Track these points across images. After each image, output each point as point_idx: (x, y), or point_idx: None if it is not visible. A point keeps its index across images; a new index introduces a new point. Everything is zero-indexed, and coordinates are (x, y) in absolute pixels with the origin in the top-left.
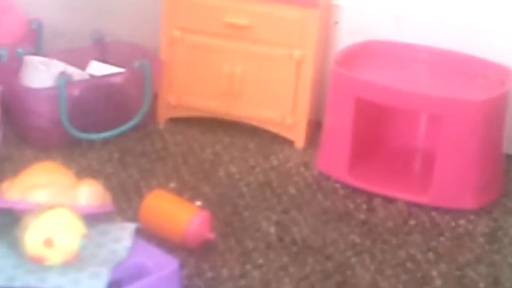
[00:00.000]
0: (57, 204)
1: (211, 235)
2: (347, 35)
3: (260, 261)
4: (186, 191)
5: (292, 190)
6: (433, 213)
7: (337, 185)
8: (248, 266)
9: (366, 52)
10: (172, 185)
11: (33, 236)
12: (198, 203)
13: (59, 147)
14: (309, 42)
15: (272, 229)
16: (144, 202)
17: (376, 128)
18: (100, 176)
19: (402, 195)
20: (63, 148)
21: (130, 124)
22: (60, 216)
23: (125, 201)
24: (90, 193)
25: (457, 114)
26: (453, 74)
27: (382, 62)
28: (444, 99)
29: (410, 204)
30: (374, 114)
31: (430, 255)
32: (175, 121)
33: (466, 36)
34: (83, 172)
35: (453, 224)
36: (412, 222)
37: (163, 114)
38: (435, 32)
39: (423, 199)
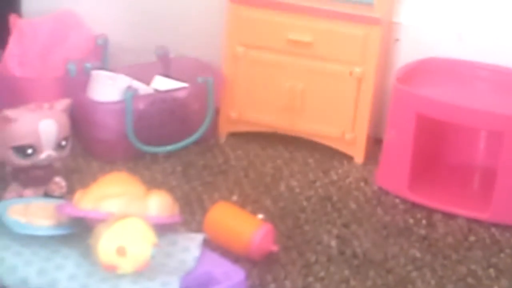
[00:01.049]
0: (129, 213)
1: (274, 248)
2: (408, 52)
3: (322, 273)
4: (248, 204)
5: (352, 205)
6: (493, 230)
7: (397, 200)
8: (310, 279)
9: (427, 69)
10: (234, 198)
11: (106, 245)
12: (260, 216)
13: (124, 160)
14: (370, 59)
15: (333, 243)
16: (208, 214)
17: (436, 144)
18: (164, 189)
19: (462, 211)
20: (127, 160)
21: (193, 138)
22: (132, 226)
23: (188, 213)
24: (160, 204)
25: None
26: None
27: (443, 79)
28: (505, 116)
29: (470, 220)
30: (434, 130)
31: (491, 271)
32: (235, 136)
33: None
34: (148, 185)
35: None
36: (472, 238)
37: (224, 128)
38: (497, 50)
39: (483, 216)
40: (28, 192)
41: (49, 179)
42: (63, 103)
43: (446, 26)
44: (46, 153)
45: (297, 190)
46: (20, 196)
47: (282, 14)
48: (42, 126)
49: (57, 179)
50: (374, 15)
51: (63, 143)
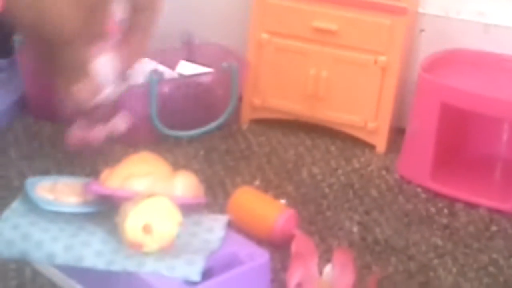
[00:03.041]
0: (156, 192)
1: (297, 232)
2: (432, 43)
3: None
4: (270, 189)
5: (374, 193)
6: None
7: (419, 190)
8: None
9: (452, 60)
10: (256, 183)
11: (132, 222)
12: (283, 201)
13: (147, 143)
14: (395, 49)
15: (355, 229)
16: (232, 198)
17: (459, 135)
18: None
19: (484, 201)
20: (150, 144)
21: (217, 123)
22: (159, 204)
23: (211, 196)
24: (186, 184)
25: None
26: None
27: (468, 71)
28: None
29: (492, 210)
30: (458, 120)
31: None
32: (257, 122)
33: None
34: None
35: None
36: (494, 228)
37: (247, 115)
38: None
39: (504, 206)
40: (94, 131)
41: (113, 115)
42: None
43: (472, 17)
44: (108, 89)
45: (319, 177)
46: (86, 137)
47: (308, 2)
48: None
49: (121, 114)
50: (400, 5)
51: (122, 77)
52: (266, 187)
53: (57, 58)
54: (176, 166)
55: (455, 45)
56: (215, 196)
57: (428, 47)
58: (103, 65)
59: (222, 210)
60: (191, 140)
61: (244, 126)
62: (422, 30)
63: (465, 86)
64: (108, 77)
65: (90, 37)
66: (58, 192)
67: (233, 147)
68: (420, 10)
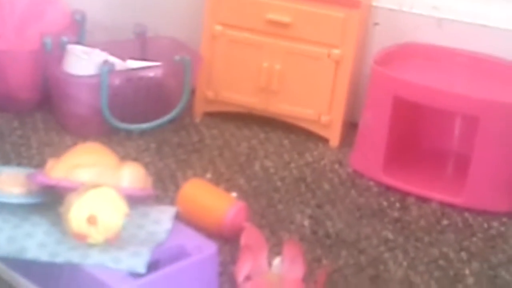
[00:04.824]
0: (102, 183)
1: (246, 225)
2: (386, 36)
3: None
4: (222, 182)
5: (326, 186)
6: (466, 214)
7: (371, 183)
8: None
9: (405, 54)
10: (208, 176)
11: (77, 213)
12: (234, 194)
13: (98, 136)
14: (348, 42)
15: (306, 222)
16: (182, 190)
17: (412, 129)
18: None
19: (436, 195)
20: (101, 136)
21: (169, 117)
22: (104, 195)
23: (161, 189)
24: (132, 176)
25: (494, 116)
26: (492, 79)
27: (421, 64)
28: (481, 100)
29: (443, 204)
30: (411, 114)
31: (463, 254)
32: (211, 115)
33: (507, 41)
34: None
35: (485, 225)
36: (445, 221)
37: (200, 108)
38: (475, 37)
39: (456, 200)
40: None
41: None
42: None
43: (426, 12)
44: None
45: (272, 170)
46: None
47: None
48: None
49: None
50: None
51: None
52: (217, 180)
53: None
54: (127, 158)
55: (408, 39)
56: (166, 189)
57: (381, 40)
58: None
59: (172, 203)
60: (142, 133)
61: (197, 119)
62: (376, 24)
63: (418, 80)
64: None
65: None
66: (2, 182)
67: (185, 140)
68: (374, 3)
